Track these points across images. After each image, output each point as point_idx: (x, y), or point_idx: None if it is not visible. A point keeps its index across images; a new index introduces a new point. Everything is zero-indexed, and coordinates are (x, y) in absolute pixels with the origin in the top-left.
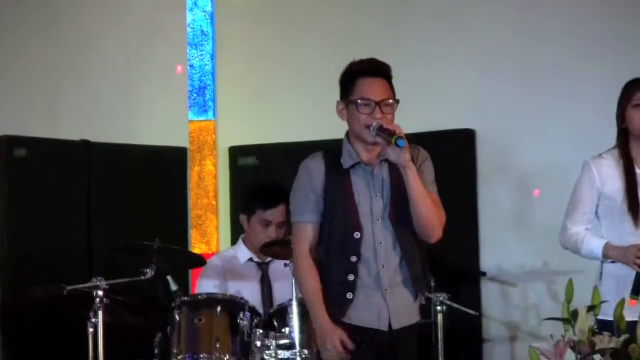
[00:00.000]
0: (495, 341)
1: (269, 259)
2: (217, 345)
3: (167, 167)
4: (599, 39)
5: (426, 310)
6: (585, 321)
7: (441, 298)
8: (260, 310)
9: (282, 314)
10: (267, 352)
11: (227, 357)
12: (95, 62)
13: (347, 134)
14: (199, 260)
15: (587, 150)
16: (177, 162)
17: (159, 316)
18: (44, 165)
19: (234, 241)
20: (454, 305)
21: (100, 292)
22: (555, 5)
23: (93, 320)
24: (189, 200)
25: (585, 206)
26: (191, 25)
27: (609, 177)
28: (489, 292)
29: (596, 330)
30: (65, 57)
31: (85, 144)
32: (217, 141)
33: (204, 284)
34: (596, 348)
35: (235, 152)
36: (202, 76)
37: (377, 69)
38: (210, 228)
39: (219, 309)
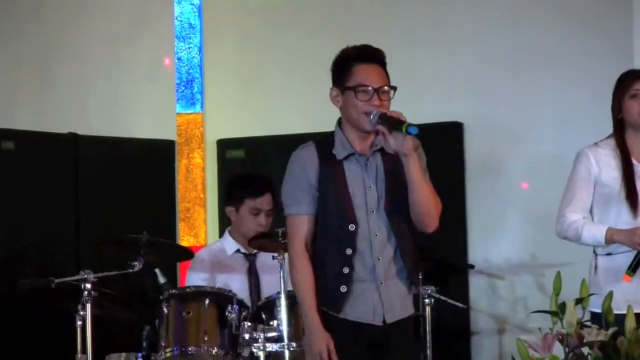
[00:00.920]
0: (483, 334)
1: (256, 250)
2: (205, 338)
3: (155, 160)
4: (589, 32)
5: (414, 303)
6: (574, 314)
7: (429, 291)
8: (248, 303)
9: (270, 306)
10: (255, 344)
11: (215, 350)
12: (82, 55)
13: (340, 123)
14: (187, 253)
15: (576, 143)
16: (165, 155)
17: (147, 309)
18: (31, 158)
19: (222, 234)
20: (442, 298)
21: (88, 285)
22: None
23: (81, 313)
24: (177, 193)
25: (583, 194)
26: (179, 18)
27: (606, 165)
28: (477, 285)
29: (585, 323)
30: (53, 49)
31: (73, 137)
32: (205, 134)
33: (193, 278)
34: (585, 341)
35: (224, 145)
36: (190, 69)
37: (373, 55)
38: (199, 221)
39: (207, 301)
